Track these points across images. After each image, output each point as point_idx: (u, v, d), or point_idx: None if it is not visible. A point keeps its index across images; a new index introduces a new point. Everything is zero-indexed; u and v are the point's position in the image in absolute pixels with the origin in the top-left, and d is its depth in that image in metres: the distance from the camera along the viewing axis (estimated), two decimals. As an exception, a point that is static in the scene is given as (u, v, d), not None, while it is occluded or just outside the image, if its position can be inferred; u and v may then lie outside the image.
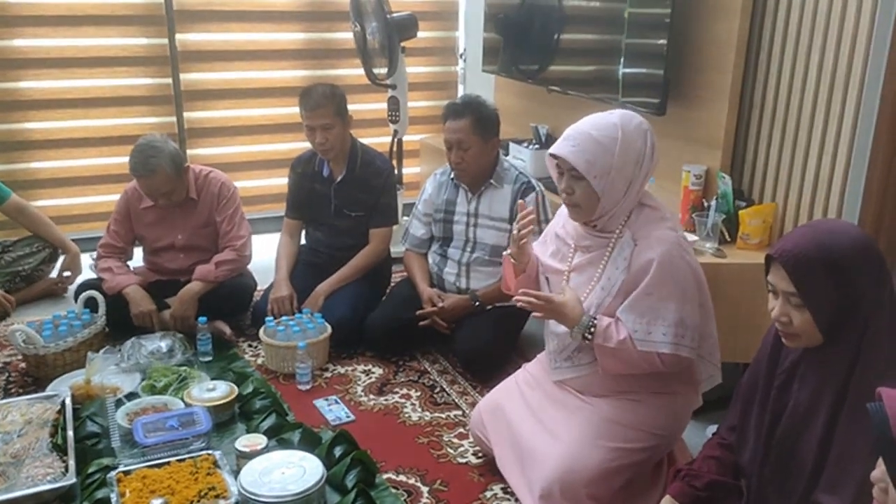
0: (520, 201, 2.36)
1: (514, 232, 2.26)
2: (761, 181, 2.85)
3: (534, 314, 2.17)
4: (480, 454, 2.53)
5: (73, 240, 3.86)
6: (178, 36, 4.28)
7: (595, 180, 2.03)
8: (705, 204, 2.85)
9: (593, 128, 2.05)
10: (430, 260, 3.30)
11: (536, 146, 3.80)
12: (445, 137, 3.08)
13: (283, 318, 3.15)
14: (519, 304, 2.16)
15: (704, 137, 2.96)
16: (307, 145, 3.41)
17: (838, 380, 1.52)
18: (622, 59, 3.23)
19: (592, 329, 2.07)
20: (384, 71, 4.11)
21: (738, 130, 2.90)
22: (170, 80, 4.33)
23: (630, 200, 2.09)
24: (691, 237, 2.75)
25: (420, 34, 4.12)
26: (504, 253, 2.38)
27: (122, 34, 4.21)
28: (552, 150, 2.10)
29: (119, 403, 2.66)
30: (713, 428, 2.03)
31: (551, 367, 2.30)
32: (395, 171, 3.92)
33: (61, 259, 3.84)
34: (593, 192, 2.05)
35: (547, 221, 3.01)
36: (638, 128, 2.07)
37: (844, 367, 1.51)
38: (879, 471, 1.16)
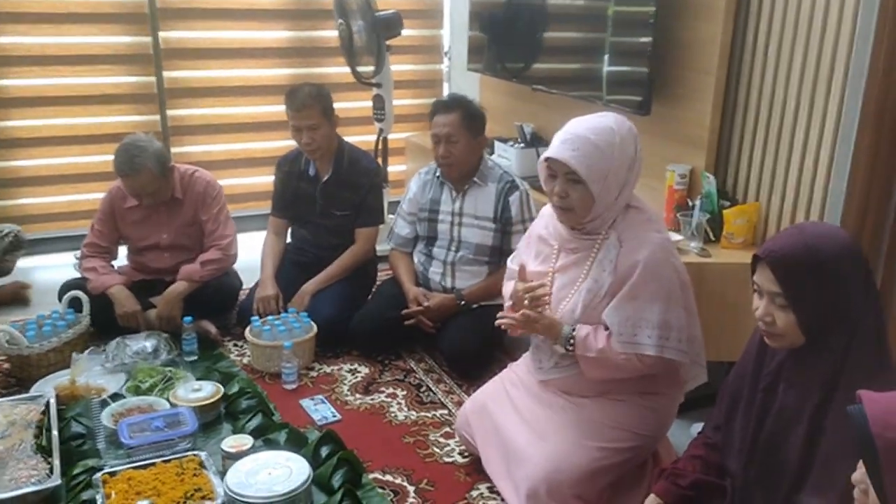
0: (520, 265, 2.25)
1: (525, 300, 2.15)
2: (745, 181, 2.87)
3: (510, 332, 2.24)
4: (467, 453, 2.54)
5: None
6: (161, 33, 4.25)
7: (594, 185, 2.02)
8: (690, 203, 2.86)
9: (591, 132, 2.03)
10: (416, 259, 3.31)
11: (522, 145, 3.80)
12: (433, 132, 3.08)
13: (269, 317, 3.15)
14: (502, 327, 2.23)
15: (689, 137, 2.98)
16: (293, 143, 3.40)
17: (824, 383, 1.53)
18: (606, 58, 3.24)
19: (572, 340, 2.10)
20: (369, 69, 4.10)
21: (722, 130, 2.92)
22: (153, 79, 4.30)
23: (620, 203, 2.10)
24: (676, 236, 2.77)
25: (405, 32, 4.12)
26: (507, 304, 2.32)
27: (106, 32, 4.18)
28: (550, 153, 2.04)
29: (104, 404, 2.64)
30: (698, 426, 2.04)
31: (535, 367, 2.32)
32: (382, 170, 3.92)
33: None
34: (589, 196, 2.04)
35: (531, 220, 3.02)
36: (629, 132, 2.07)
37: (829, 371, 1.52)
38: (860, 472, 1.17)
